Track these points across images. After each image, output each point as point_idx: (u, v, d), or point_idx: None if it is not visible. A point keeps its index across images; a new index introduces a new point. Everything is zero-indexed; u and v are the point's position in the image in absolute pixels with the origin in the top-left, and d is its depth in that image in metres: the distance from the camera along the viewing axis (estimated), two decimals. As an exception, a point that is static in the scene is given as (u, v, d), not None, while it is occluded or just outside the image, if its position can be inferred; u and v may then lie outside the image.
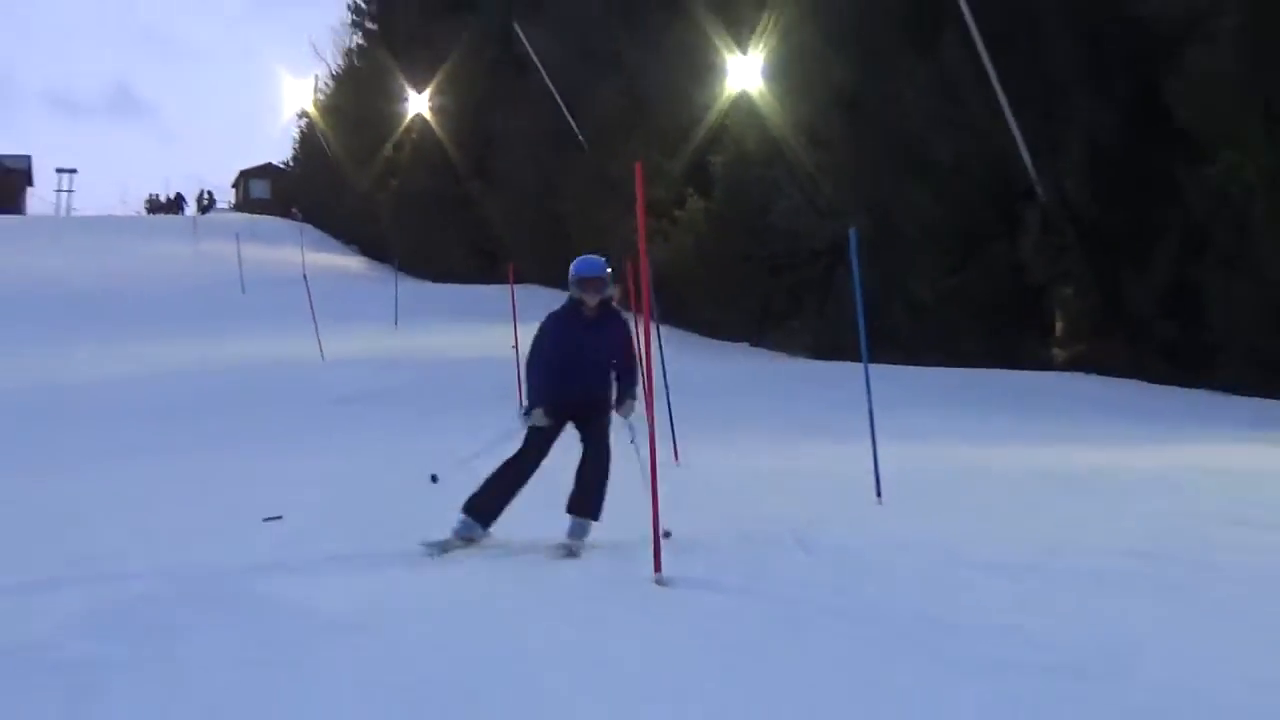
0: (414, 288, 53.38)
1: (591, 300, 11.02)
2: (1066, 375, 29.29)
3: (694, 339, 36.07)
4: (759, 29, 36.06)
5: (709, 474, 14.87)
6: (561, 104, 48.75)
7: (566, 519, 11.18)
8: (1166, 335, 27.85)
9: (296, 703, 7.59)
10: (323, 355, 32.31)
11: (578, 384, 11.05)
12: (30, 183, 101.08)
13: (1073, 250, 30.24)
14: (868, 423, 14.39)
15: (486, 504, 10.91)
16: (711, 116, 38.34)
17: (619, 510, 10.98)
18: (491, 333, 27.52)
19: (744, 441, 18.64)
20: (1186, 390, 26.02)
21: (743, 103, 37.42)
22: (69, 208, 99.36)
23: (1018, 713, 7.15)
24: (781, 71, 35.85)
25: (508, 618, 9.50)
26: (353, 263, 64.37)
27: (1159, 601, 9.76)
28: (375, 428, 21.98)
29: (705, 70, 37.98)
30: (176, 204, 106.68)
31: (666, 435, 14.89)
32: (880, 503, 13.53)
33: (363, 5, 75.44)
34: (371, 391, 26.58)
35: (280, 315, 40.42)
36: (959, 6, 29.80)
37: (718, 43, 37.20)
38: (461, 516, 10.87)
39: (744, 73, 37.04)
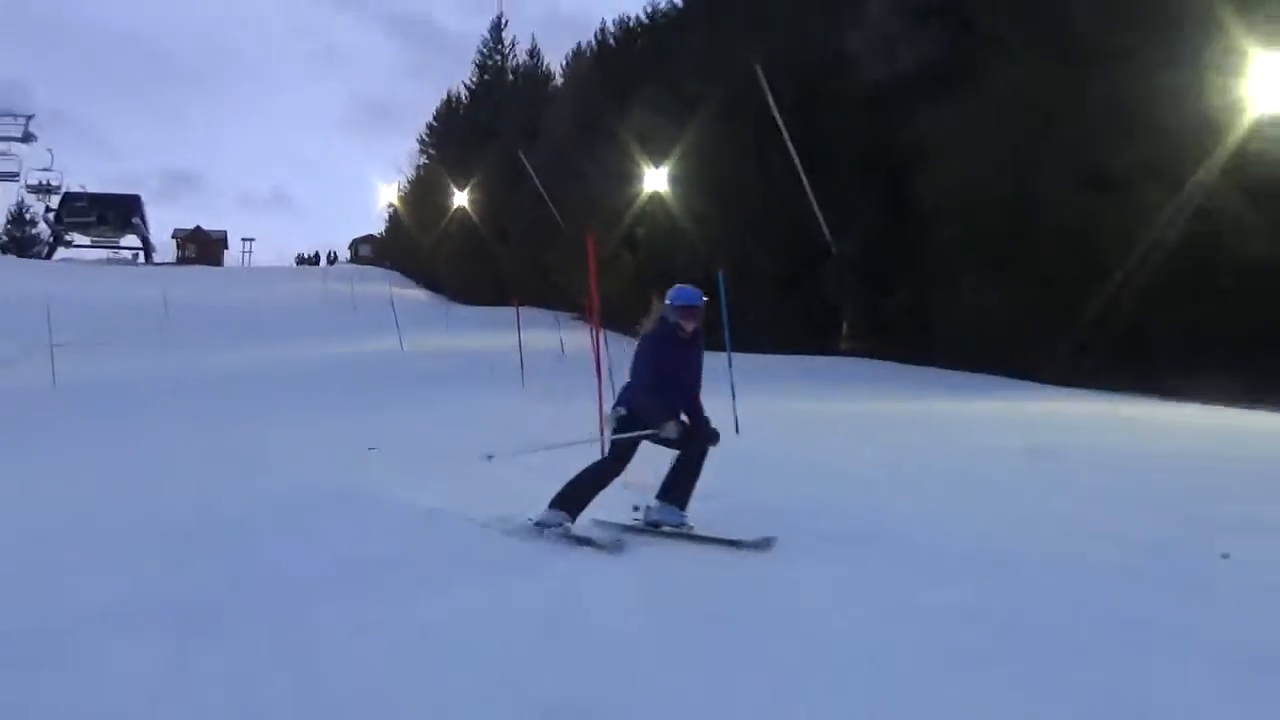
0: (459, 310, 53.32)
1: (689, 326, 8.39)
2: (851, 359, 29.48)
3: (626, 340, 35.97)
4: (666, 153, 36.20)
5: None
6: (547, 199, 48.67)
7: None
8: (908, 334, 28.12)
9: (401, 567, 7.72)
10: (403, 349, 32.24)
11: (673, 400, 8.36)
12: (226, 246, 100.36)
13: (852, 284, 30.49)
14: (730, 386, 14.52)
15: (573, 502, 8.28)
16: (636, 205, 38.35)
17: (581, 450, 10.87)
18: (505, 337, 27.53)
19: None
20: (921, 368, 26.26)
21: (655, 197, 37.47)
22: (249, 262, 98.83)
23: (852, 570, 7.36)
24: (679, 178, 35.96)
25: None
26: (421, 294, 64.11)
27: (938, 496, 10.00)
28: (439, 392, 22.01)
29: (633, 177, 38.00)
30: (314, 259, 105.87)
31: (610, 397, 14.92)
32: (739, 435, 13.62)
33: (426, 139, 75.27)
34: (435, 371, 26.56)
35: (377, 325, 40.26)
36: (786, 144, 30.06)
37: (640, 160, 37.28)
38: (550, 510, 8.32)
39: (656, 179, 37.10)
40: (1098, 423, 16.40)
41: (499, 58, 69.53)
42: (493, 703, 5.12)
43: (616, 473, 8.34)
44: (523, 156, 51.28)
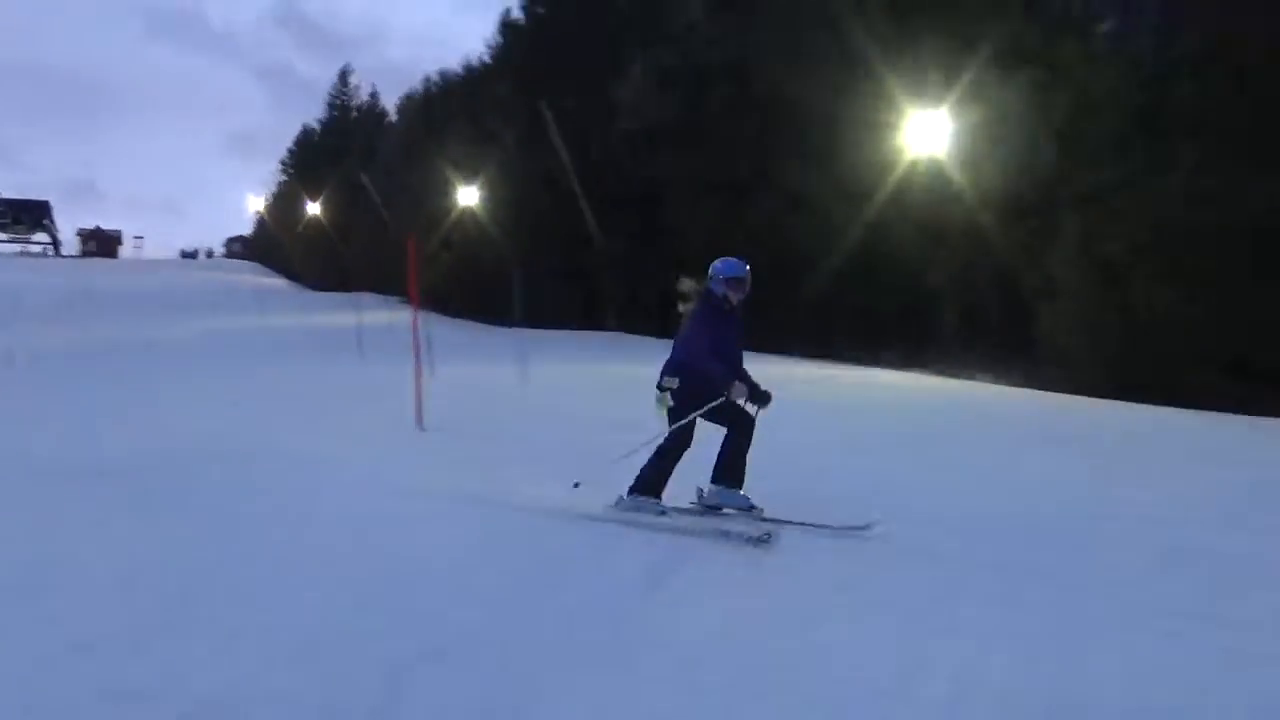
0: (311, 295, 51.73)
1: (736, 298, 6.73)
2: (615, 334, 29.51)
3: (444, 319, 35.40)
4: (476, 174, 35.61)
5: (450, 379, 14.67)
6: (381, 208, 47.33)
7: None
8: (661, 316, 28.40)
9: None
10: (266, 325, 31.08)
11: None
12: (120, 242, 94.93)
13: (617, 277, 30.68)
14: (523, 353, 14.44)
15: (652, 485, 6.53)
16: (452, 214, 37.55)
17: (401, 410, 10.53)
18: (344, 315, 26.90)
19: (466, 362, 18.39)
20: (670, 341, 26.52)
21: (467, 209, 36.75)
22: (140, 255, 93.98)
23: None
24: (487, 193, 35.39)
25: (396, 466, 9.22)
26: (281, 282, 61.83)
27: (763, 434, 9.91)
28: (301, 356, 21.30)
29: (450, 191, 37.14)
30: (194, 254, 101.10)
31: (428, 361, 14.60)
32: (528, 385, 13.51)
33: (286, 161, 72.24)
34: (295, 341, 25.77)
35: (245, 306, 38.87)
36: (567, 169, 30.03)
37: (454, 178, 36.48)
38: (633, 496, 6.55)
39: (468, 194, 36.29)
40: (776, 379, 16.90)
41: (345, 98, 68.08)
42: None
43: (681, 452, 6.56)
44: (363, 175, 50.01)
